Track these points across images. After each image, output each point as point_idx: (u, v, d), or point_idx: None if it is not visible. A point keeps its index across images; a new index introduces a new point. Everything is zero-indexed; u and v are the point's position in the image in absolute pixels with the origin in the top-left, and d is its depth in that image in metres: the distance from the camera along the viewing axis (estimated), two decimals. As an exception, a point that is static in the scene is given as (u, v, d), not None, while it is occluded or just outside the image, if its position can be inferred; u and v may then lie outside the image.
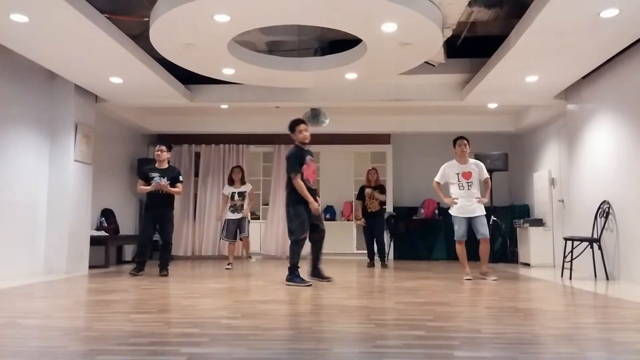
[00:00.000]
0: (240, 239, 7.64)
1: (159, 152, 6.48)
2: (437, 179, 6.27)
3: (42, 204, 6.70)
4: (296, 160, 5.39)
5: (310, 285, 5.20)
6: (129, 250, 9.06)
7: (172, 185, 6.39)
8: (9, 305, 3.88)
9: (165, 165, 6.51)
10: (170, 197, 6.43)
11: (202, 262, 8.77)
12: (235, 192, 7.53)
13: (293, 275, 5.30)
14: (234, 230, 7.47)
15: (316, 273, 5.60)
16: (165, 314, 3.47)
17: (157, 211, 6.35)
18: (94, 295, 4.43)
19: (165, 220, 6.39)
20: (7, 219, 6.04)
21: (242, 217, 7.49)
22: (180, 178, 6.54)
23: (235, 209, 7.49)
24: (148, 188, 6.30)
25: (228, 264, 7.42)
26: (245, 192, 7.57)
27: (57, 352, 2.40)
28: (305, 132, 5.51)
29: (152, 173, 6.40)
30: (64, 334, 2.79)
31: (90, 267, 7.23)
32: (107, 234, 7.90)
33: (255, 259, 7.70)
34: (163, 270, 6.34)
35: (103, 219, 8.24)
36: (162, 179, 6.31)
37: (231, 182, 7.64)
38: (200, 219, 9.93)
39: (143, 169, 6.53)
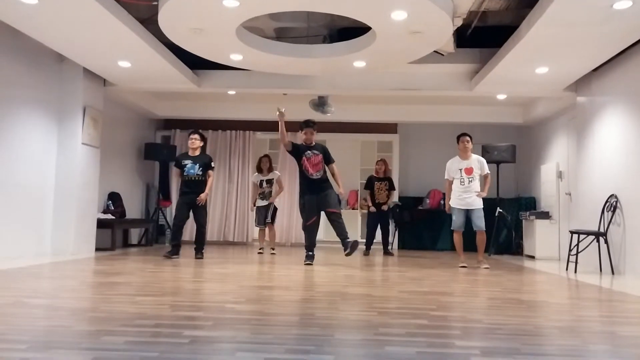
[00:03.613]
0: (266, 225, 7.81)
1: (193, 140, 6.70)
2: (447, 176, 6.50)
3: (50, 186, 6.75)
4: (296, 147, 6.32)
5: (309, 265, 6.03)
6: (135, 234, 9.12)
7: (205, 171, 6.63)
8: (17, 284, 3.92)
9: (198, 153, 6.72)
10: (203, 184, 6.63)
11: (207, 247, 8.81)
12: (263, 180, 7.79)
13: (306, 254, 6.25)
14: (264, 216, 7.74)
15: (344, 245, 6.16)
16: (170, 297, 3.50)
17: (192, 197, 6.55)
18: (100, 277, 4.47)
19: (198, 205, 6.59)
20: (15, 201, 6.09)
21: (269, 204, 7.75)
22: (212, 165, 6.78)
23: (264, 196, 7.77)
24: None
25: (260, 249, 7.81)
26: (273, 179, 7.81)
27: (62, 332, 2.42)
28: (304, 135, 6.33)
29: (185, 161, 6.64)
30: (70, 314, 2.82)
31: (97, 249, 7.29)
32: (114, 217, 7.95)
33: (276, 251, 7.79)
34: (198, 254, 6.62)
35: (110, 202, 8.29)
36: (196, 166, 6.58)
37: (259, 170, 7.84)
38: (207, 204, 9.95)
39: (177, 157, 6.84)
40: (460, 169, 6.32)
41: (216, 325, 2.63)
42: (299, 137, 6.33)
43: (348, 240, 6.07)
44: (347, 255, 6.06)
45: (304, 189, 6.26)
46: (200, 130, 7.01)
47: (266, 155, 8.01)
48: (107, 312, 2.92)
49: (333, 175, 6.33)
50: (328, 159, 6.32)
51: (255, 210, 7.85)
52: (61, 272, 4.85)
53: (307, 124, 6.32)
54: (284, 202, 9.81)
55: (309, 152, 6.22)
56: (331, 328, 2.66)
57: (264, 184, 7.78)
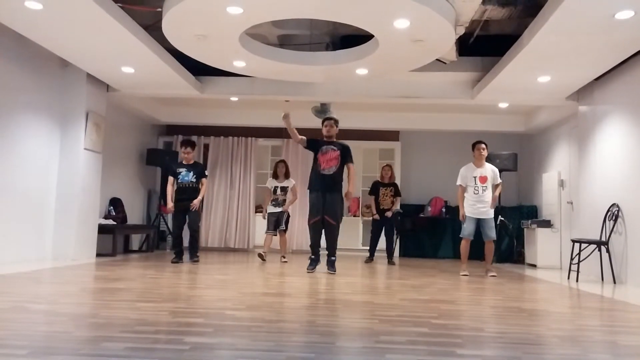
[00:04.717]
0: (277, 232, 7.58)
1: (186, 155, 6.92)
2: (460, 182, 6.44)
3: (52, 191, 6.76)
4: (313, 140, 6.11)
5: (308, 271, 5.94)
6: (136, 240, 9.12)
7: (198, 179, 6.88)
8: (17, 289, 3.92)
9: (192, 162, 6.98)
10: (197, 191, 6.87)
11: (208, 254, 8.80)
12: (278, 187, 7.59)
13: (309, 258, 6.09)
14: (274, 223, 7.54)
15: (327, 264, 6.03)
16: (171, 303, 3.50)
17: (186, 204, 6.78)
18: (100, 283, 4.47)
19: (191, 211, 6.80)
20: (17, 205, 6.10)
21: (281, 211, 7.53)
22: (205, 173, 7.06)
23: (277, 202, 7.56)
24: (169, 206, 6.84)
25: (262, 252, 7.59)
26: (288, 187, 7.61)
27: (62, 338, 2.42)
28: (324, 127, 6.12)
29: (179, 169, 6.90)
30: (70, 320, 2.82)
31: (98, 255, 7.29)
32: (115, 223, 7.95)
33: (287, 259, 7.61)
34: (193, 257, 6.85)
35: (111, 207, 8.29)
36: (190, 174, 6.84)
37: (275, 176, 7.65)
38: (207, 211, 9.95)
39: (172, 167, 7.08)
40: (475, 177, 6.30)
41: (216, 332, 2.63)
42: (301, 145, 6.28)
43: (333, 259, 5.98)
44: (328, 271, 5.92)
45: (312, 183, 6.00)
46: (190, 138, 7.16)
47: (282, 161, 7.79)
48: (107, 318, 2.91)
49: (348, 174, 5.99)
50: (345, 158, 6.00)
51: (266, 217, 7.60)
52: (62, 277, 4.85)
53: (328, 118, 6.18)
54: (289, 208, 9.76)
55: (325, 147, 6.00)
56: (332, 335, 2.65)
57: (278, 191, 7.55)
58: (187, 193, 6.79)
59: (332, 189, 5.91)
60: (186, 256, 7.02)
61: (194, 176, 6.83)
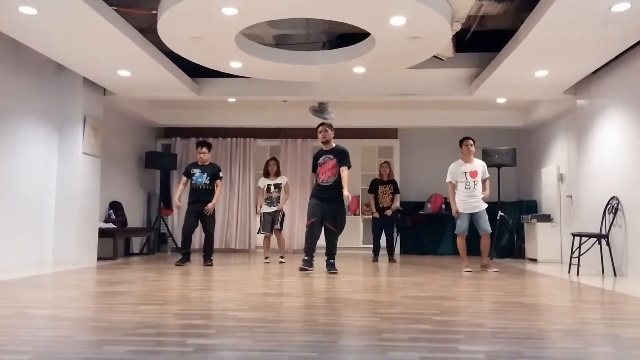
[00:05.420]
0: (273, 231, 7.44)
1: (202, 155, 6.82)
2: (449, 179, 6.46)
3: (51, 196, 6.75)
4: (312, 162, 6.22)
5: (304, 270, 5.80)
6: (136, 243, 9.12)
7: (213, 180, 6.77)
8: (18, 295, 3.92)
9: (207, 163, 6.88)
10: (211, 193, 6.75)
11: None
12: (271, 185, 7.45)
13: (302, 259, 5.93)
14: (270, 223, 7.38)
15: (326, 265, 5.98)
16: (173, 305, 3.50)
17: (200, 206, 6.67)
18: (102, 287, 4.47)
19: (206, 215, 6.69)
20: (17, 211, 6.09)
21: (277, 210, 7.39)
22: (220, 174, 6.89)
23: (271, 201, 7.40)
24: (176, 202, 6.83)
25: (265, 258, 7.48)
26: (281, 184, 7.47)
27: (65, 342, 2.42)
28: (319, 134, 6.08)
29: (194, 169, 6.82)
30: (72, 324, 2.82)
31: (98, 259, 7.29)
32: (115, 227, 7.95)
33: (285, 260, 7.49)
34: (207, 261, 6.73)
35: (111, 211, 8.29)
36: (204, 175, 6.74)
37: (266, 174, 7.53)
38: (208, 212, 9.94)
39: (187, 166, 7.00)
40: (465, 172, 6.32)
41: (219, 333, 2.63)
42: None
43: (332, 261, 5.91)
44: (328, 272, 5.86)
45: (313, 192, 6.03)
46: (204, 139, 7.03)
47: (273, 158, 7.67)
48: (110, 321, 2.91)
49: (342, 179, 5.84)
50: (340, 162, 5.90)
51: (260, 217, 7.47)
52: (63, 282, 4.85)
53: (321, 123, 6.14)
54: (287, 208, 9.77)
55: (321, 158, 6.02)
56: (334, 334, 2.65)
57: (272, 189, 7.40)
58: (200, 195, 6.68)
59: (330, 199, 5.87)
60: (198, 259, 7.01)
61: (208, 178, 6.72)
